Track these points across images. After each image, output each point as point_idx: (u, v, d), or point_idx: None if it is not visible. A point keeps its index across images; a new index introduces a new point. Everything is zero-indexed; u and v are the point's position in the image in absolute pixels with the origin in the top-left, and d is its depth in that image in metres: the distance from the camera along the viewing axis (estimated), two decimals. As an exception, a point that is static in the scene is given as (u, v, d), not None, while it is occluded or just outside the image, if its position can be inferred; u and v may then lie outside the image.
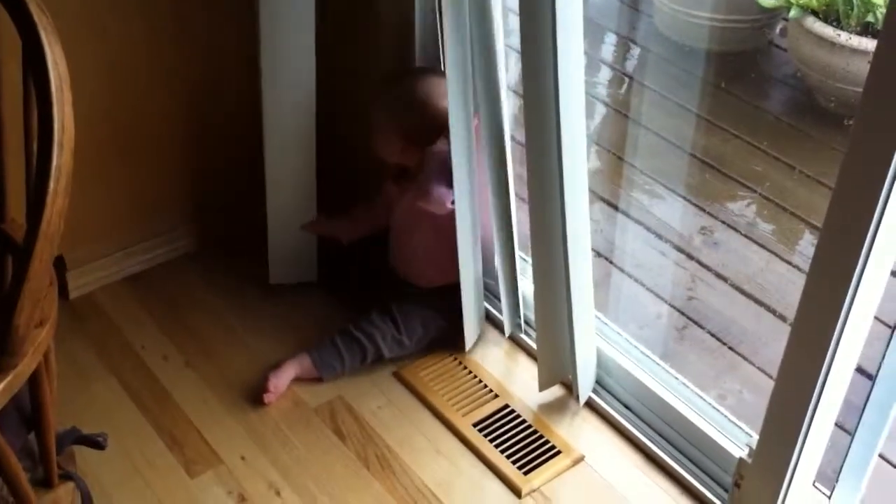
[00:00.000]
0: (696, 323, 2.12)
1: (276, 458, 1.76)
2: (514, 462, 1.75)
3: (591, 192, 2.41)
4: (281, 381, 1.86)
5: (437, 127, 1.80)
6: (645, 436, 1.78)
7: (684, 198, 2.45)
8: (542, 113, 1.58)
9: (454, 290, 1.88)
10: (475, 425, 1.82)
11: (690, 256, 2.28)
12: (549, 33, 1.49)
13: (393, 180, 1.95)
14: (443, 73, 1.79)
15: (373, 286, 2.02)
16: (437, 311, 1.94)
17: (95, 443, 1.27)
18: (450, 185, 1.78)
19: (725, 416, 1.73)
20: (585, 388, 1.84)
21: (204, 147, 2.12)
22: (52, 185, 0.97)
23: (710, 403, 1.76)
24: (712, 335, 2.09)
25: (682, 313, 2.15)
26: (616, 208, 2.42)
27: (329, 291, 2.09)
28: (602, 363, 1.87)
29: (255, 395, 1.86)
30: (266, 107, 1.91)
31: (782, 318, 2.09)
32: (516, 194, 1.87)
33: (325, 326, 1.96)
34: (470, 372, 1.92)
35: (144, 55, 1.93)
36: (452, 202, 1.80)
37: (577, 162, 1.61)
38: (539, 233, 1.72)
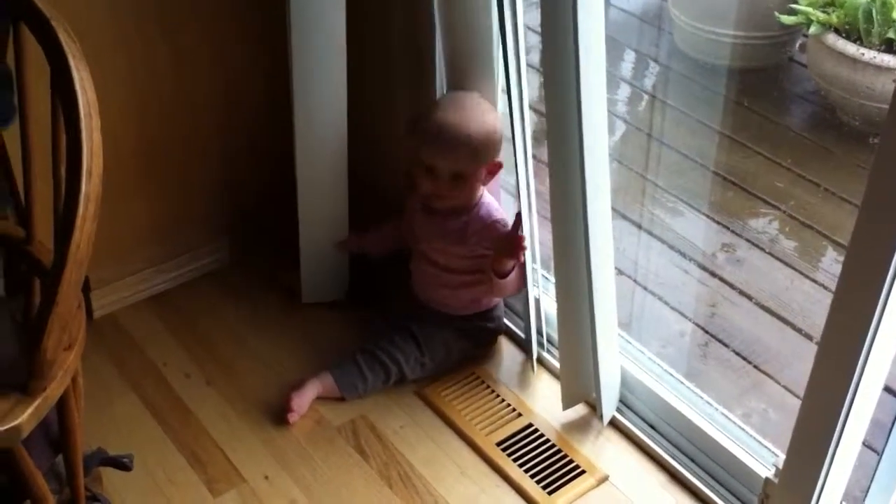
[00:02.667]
0: (719, 341, 2.10)
1: (299, 476, 1.76)
2: (538, 482, 1.74)
3: (613, 209, 2.41)
4: (303, 400, 1.86)
5: (476, 154, 1.78)
6: (670, 455, 1.77)
7: (707, 215, 2.44)
8: (565, 130, 1.58)
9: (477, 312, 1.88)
10: (499, 444, 1.81)
11: (713, 274, 2.27)
12: (570, 50, 1.49)
13: (422, 208, 1.90)
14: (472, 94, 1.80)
15: (397, 306, 2.01)
16: (460, 332, 1.93)
17: (121, 464, 1.27)
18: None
19: (751, 436, 1.72)
20: (609, 406, 1.83)
21: (230, 166, 2.12)
22: (80, 210, 0.97)
23: (735, 422, 1.75)
24: (736, 353, 2.07)
25: (706, 331, 2.13)
26: (638, 226, 2.42)
27: (354, 310, 2.08)
28: (626, 382, 1.86)
29: (278, 414, 1.86)
30: (298, 127, 1.91)
31: (807, 336, 2.08)
32: (537, 212, 1.87)
33: (350, 346, 1.96)
34: (493, 391, 1.92)
35: (171, 73, 1.94)
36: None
37: (600, 179, 1.61)
38: (562, 250, 1.72)
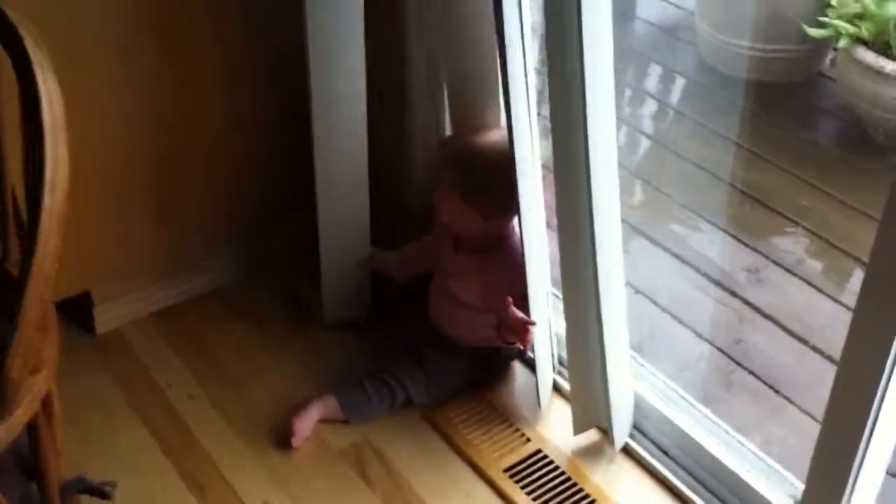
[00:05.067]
0: (739, 364, 2.03)
1: (301, 503, 1.71)
2: (545, 511, 1.68)
3: (630, 225, 2.35)
4: (305, 424, 1.80)
5: (503, 191, 1.65)
6: (685, 484, 1.70)
7: (728, 233, 2.37)
8: (570, 141, 1.51)
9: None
10: (507, 471, 1.75)
11: (734, 294, 2.19)
12: (576, 58, 1.42)
13: (452, 243, 1.83)
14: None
15: (411, 329, 1.95)
16: (472, 361, 1.87)
17: (101, 492, 1.22)
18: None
19: (770, 465, 1.65)
20: (621, 433, 1.76)
21: (240, 179, 2.08)
22: (44, 225, 0.93)
23: (754, 451, 1.68)
24: (756, 377, 2.00)
25: (725, 354, 2.06)
26: (656, 243, 2.35)
27: (372, 331, 2.02)
28: (639, 407, 1.79)
29: (280, 437, 1.81)
30: (317, 142, 1.84)
31: (831, 359, 2.00)
32: (546, 223, 1.80)
33: (359, 369, 1.90)
34: (502, 415, 1.85)
35: (178, 86, 1.90)
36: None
37: (609, 191, 1.54)
38: (569, 267, 1.64)
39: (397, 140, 1.94)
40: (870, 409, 1.29)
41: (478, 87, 1.79)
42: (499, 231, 1.80)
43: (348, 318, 2.03)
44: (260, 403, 1.89)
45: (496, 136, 1.76)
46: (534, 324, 1.70)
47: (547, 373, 1.84)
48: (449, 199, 1.76)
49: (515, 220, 1.73)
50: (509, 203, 1.65)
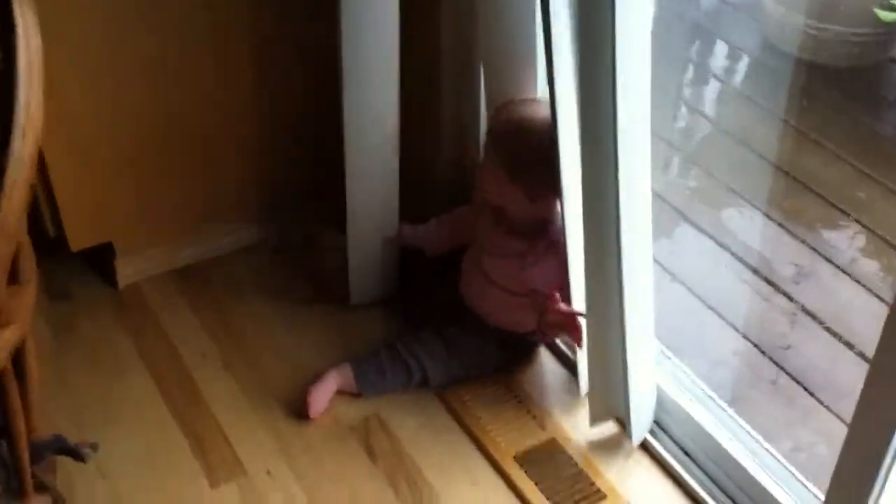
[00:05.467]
0: (776, 364, 1.92)
1: (302, 474, 1.67)
2: None
3: (677, 211, 2.25)
4: (321, 395, 1.75)
5: (549, 170, 1.54)
6: (703, 488, 1.62)
7: (778, 223, 2.25)
8: (595, 110, 1.40)
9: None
10: (517, 458, 1.68)
11: (778, 289, 2.08)
12: (607, 37, 1.32)
13: (493, 218, 1.73)
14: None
15: (441, 305, 1.87)
16: (501, 344, 1.80)
17: (78, 454, 1.18)
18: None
19: (793, 474, 1.55)
20: (640, 427, 1.68)
21: (274, 143, 2.01)
22: (13, 172, 0.87)
23: (779, 460, 1.59)
24: (793, 378, 1.89)
25: (762, 352, 1.95)
26: (702, 231, 2.24)
27: (401, 310, 1.95)
28: (662, 402, 1.70)
29: (291, 407, 1.76)
30: (347, 110, 1.75)
31: (874, 365, 1.88)
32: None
33: (380, 346, 1.83)
34: (518, 398, 1.78)
35: (209, 49, 1.84)
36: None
37: (638, 162, 1.43)
38: (591, 244, 1.53)
39: (428, 114, 1.86)
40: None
41: (513, 57, 1.70)
42: (544, 214, 1.70)
43: (375, 299, 1.96)
44: (273, 372, 1.84)
45: (543, 110, 1.64)
46: (582, 314, 1.61)
47: (585, 360, 1.76)
48: (494, 175, 1.67)
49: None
50: (555, 183, 1.55)
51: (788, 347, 1.96)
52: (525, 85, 1.73)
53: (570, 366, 1.83)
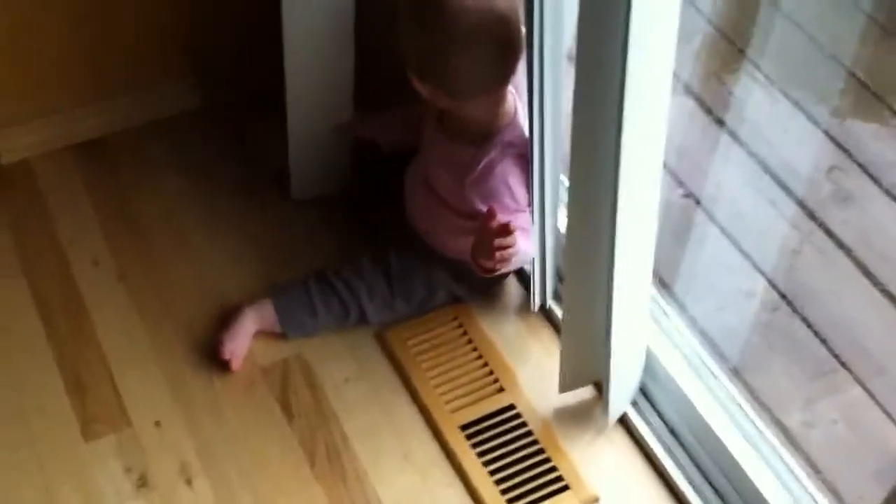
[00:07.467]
0: (795, 310, 1.57)
1: (198, 430, 1.38)
2: (503, 491, 1.31)
3: (686, 86, 1.84)
4: (238, 342, 1.43)
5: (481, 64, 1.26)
6: (686, 479, 1.33)
7: (820, 127, 1.83)
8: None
9: None
10: (464, 428, 1.37)
11: (812, 215, 1.69)
12: None
13: (436, 116, 1.41)
14: None
15: (381, 223, 1.55)
16: (452, 273, 1.46)
17: None
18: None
19: (792, 473, 1.28)
20: (620, 398, 1.35)
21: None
22: None
23: (781, 456, 1.30)
24: (813, 330, 1.54)
25: (782, 295, 1.59)
26: (720, 122, 1.83)
27: (348, 212, 1.62)
28: (650, 366, 1.37)
29: (197, 340, 1.46)
30: None
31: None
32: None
33: (317, 259, 1.51)
34: (475, 349, 1.45)
35: None
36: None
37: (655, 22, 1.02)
38: (580, 143, 1.14)
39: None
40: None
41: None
42: (487, 116, 1.34)
43: (320, 194, 1.63)
44: (182, 291, 1.53)
45: None
46: (511, 246, 1.26)
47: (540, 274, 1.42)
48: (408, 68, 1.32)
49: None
50: (495, 81, 1.29)
51: (802, 282, 1.60)
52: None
53: (543, 309, 1.48)
